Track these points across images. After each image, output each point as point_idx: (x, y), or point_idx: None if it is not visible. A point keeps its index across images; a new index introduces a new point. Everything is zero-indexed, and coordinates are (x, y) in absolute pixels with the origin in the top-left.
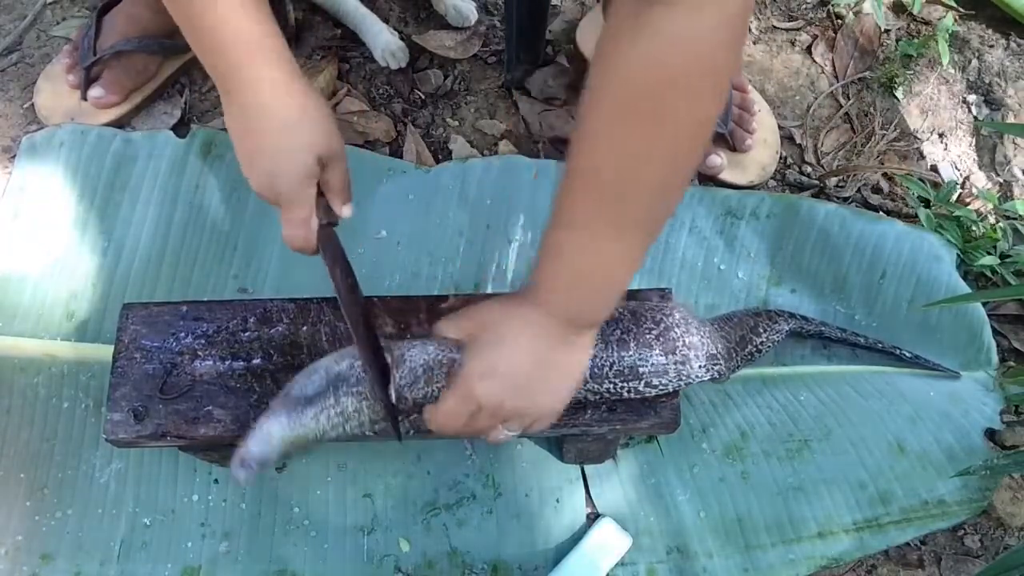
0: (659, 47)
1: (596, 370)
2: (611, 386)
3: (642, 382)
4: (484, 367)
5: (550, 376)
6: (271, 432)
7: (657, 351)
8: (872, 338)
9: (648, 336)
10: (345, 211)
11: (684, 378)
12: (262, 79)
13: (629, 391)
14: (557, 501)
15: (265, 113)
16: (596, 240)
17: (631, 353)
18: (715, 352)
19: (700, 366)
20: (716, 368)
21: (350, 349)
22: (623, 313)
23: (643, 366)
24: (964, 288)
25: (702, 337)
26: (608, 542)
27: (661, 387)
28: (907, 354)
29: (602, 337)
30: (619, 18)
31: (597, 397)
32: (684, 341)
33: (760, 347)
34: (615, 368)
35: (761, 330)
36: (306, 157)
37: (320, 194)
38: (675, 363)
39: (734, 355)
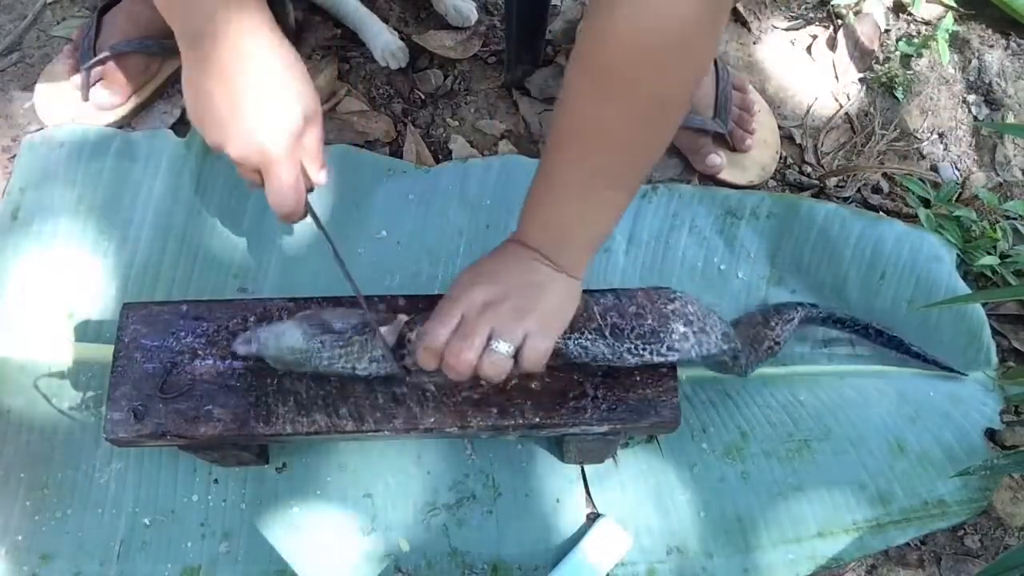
0: (634, 23)
1: (616, 329)
2: (631, 346)
3: (663, 345)
4: (476, 273)
5: (539, 294)
6: (283, 335)
7: (675, 320)
8: (881, 325)
9: (665, 309)
10: (321, 177)
11: (704, 346)
12: (248, 28)
13: (652, 353)
14: (557, 501)
15: (252, 66)
16: (578, 192)
17: (650, 321)
18: (728, 331)
19: (718, 338)
20: (732, 346)
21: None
22: (633, 298)
23: (663, 331)
24: (964, 288)
25: (713, 317)
26: (608, 542)
27: (683, 353)
28: (915, 347)
29: (617, 310)
30: None
31: (617, 358)
32: (699, 316)
33: (777, 340)
34: (636, 331)
35: (773, 324)
36: (295, 113)
37: None
38: (695, 332)
39: (751, 353)
